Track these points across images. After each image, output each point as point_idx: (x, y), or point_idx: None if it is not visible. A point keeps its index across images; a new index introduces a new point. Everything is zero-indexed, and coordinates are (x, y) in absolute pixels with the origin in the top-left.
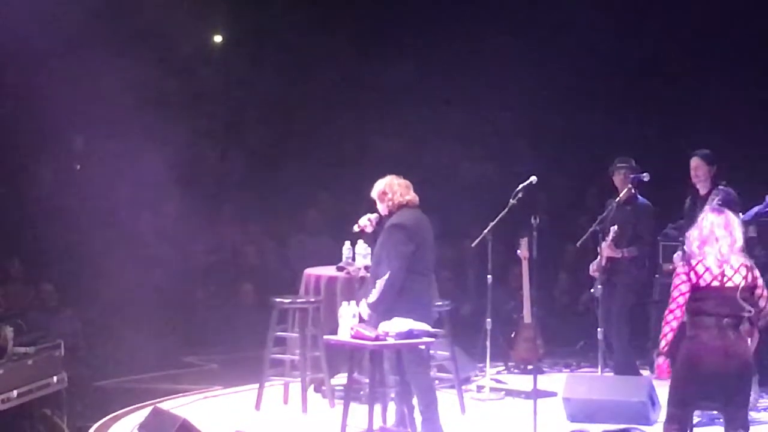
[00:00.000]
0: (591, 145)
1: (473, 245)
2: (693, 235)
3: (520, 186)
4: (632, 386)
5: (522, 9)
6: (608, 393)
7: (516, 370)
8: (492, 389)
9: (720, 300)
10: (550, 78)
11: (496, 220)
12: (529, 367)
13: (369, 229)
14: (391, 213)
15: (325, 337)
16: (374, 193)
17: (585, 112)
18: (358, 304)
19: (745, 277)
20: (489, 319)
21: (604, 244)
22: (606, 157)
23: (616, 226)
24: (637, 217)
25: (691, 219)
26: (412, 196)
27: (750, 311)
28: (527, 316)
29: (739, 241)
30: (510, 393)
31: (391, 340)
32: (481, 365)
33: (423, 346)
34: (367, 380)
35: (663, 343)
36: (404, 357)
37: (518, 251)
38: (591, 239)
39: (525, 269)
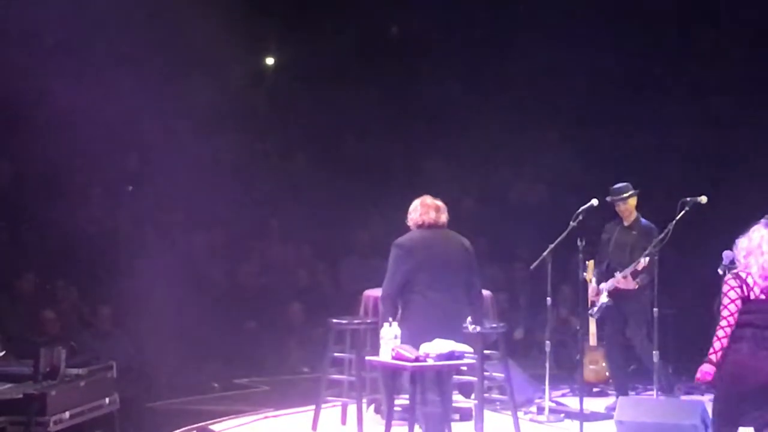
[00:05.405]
0: (645, 165)
1: (532, 267)
2: (741, 244)
3: (581, 208)
4: (685, 409)
5: (570, 29)
6: (660, 416)
7: None
8: (552, 411)
9: (766, 312)
10: (602, 98)
11: (556, 242)
12: (595, 389)
13: None
14: None
15: (366, 357)
16: None
17: (636, 132)
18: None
19: None
20: (548, 341)
21: (618, 274)
22: (658, 177)
23: (647, 259)
24: (641, 241)
25: None
26: (432, 217)
27: None
28: (593, 339)
29: None
30: (569, 415)
31: (430, 362)
32: (543, 387)
33: (465, 368)
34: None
35: (718, 355)
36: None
37: (584, 273)
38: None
39: (590, 292)
